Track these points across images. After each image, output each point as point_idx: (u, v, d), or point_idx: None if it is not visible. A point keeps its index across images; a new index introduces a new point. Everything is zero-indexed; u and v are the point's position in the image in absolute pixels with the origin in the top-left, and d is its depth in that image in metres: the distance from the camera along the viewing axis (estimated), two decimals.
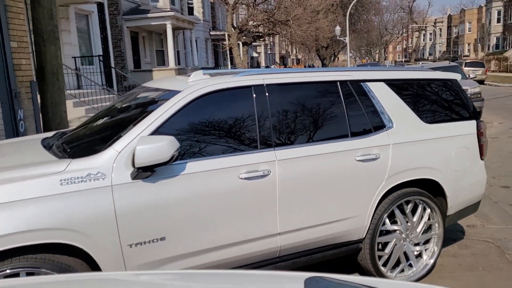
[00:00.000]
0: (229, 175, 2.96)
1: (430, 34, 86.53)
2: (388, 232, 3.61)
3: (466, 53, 67.07)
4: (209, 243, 2.95)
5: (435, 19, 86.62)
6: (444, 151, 3.70)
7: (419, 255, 3.79)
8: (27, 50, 5.26)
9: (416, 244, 3.74)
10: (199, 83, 3.09)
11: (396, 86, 3.69)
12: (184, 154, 2.89)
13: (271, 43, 51.17)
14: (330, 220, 3.31)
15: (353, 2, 28.33)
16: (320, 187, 3.22)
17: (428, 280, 3.72)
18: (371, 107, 3.51)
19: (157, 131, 2.85)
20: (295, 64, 75.11)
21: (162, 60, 23.51)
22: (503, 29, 56.18)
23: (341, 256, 3.55)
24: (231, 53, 29.62)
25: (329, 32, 29.98)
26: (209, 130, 3.03)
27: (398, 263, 3.69)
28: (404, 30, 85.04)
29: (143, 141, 2.63)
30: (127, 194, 2.69)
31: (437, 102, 3.85)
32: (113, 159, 2.71)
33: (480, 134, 3.90)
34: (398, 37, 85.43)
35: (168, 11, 20.24)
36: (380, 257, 3.60)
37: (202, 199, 2.88)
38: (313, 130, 3.30)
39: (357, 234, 3.47)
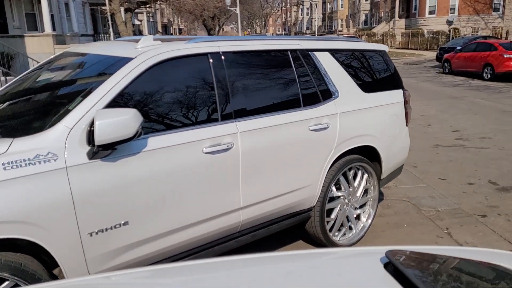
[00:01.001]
0: (193, 150, 2.75)
1: (307, 9, 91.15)
2: (333, 198, 3.77)
3: (340, 28, 72.21)
4: (173, 224, 2.74)
5: None
6: (380, 119, 3.94)
7: (357, 218, 4.04)
8: None
9: (356, 208, 3.98)
10: (152, 50, 2.77)
11: (338, 56, 3.78)
12: (143, 129, 2.60)
13: (155, 10, 48.85)
14: (287, 191, 3.32)
15: None
16: (278, 158, 3.19)
17: (364, 240, 4.00)
18: (319, 77, 3.55)
19: (111, 104, 2.50)
20: (178, 34, 73.02)
21: (33, 25, 20.86)
22: (370, 6, 61.62)
23: (292, 226, 3.61)
24: (112, 19, 27.55)
25: (218, 2, 29.63)
26: (167, 102, 2.76)
27: (340, 227, 3.89)
28: (283, 4, 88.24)
29: (103, 115, 2.28)
30: (84, 176, 2.33)
31: (372, 71, 4.05)
32: (64, 137, 2.32)
33: (406, 102, 4.23)
34: (278, 10, 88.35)
35: None
36: (327, 223, 3.75)
37: (166, 177, 2.64)
38: (269, 101, 3.22)
39: (309, 203, 3.55)
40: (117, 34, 28.58)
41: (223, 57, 3.01)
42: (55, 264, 2.42)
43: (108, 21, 32.04)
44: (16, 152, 2.19)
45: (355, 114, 3.70)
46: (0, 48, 15.41)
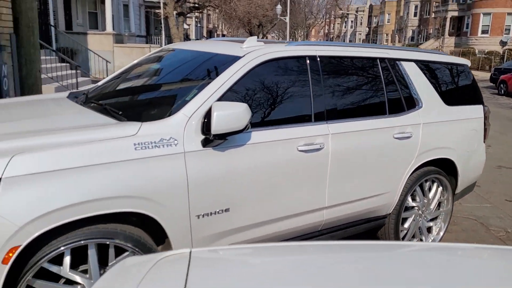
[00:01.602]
0: (289, 147, 2.89)
1: (352, 22, 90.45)
2: (408, 208, 3.80)
3: (385, 42, 71.25)
4: (267, 216, 2.88)
5: (357, 8, 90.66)
6: (459, 133, 3.95)
7: (428, 230, 4.05)
8: None
9: (428, 221, 3.99)
10: (258, 50, 2.94)
11: (423, 67, 3.84)
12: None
13: (207, 15, 49.85)
14: (368, 195, 3.40)
15: None
16: (363, 162, 3.28)
17: None
18: (405, 86, 3.62)
19: (222, 98, 2.68)
20: None
21: (95, 24, 21.86)
22: (419, 22, 60.50)
23: (367, 231, 3.68)
24: (165, 22, 28.39)
25: (268, 10, 29.99)
26: (268, 99, 2.92)
27: (411, 238, 3.91)
28: (328, 16, 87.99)
29: (220, 107, 2.46)
30: (198, 162, 2.52)
31: (454, 85, 4.08)
32: (183, 125, 2.51)
33: (485, 118, 4.22)
34: (321, 22, 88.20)
35: None
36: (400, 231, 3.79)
37: (265, 170, 2.79)
38: (357, 105, 3.33)
39: (386, 209, 3.61)
40: (168, 37, 29.43)
41: (319, 60, 3.15)
42: (159, 242, 2.61)
43: (161, 23, 33.11)
44: (144, 135, 2.39)
45: (437, 126, 3.74)
46: (66, 43, 16.28)
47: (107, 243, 2.29)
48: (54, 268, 2.21)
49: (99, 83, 3.67)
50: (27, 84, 5.12)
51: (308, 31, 79.22)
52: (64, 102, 3.20)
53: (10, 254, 2.00)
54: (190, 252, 1.28)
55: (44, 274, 2.21)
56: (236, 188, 2.68)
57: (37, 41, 5.24)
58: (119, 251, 2.37)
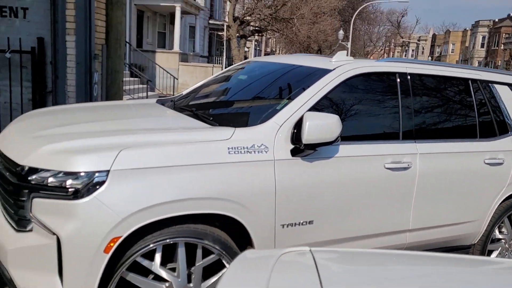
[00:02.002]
0: (376, 163, 2.82)
1: (413, 50, 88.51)
2: (495, 240, 3.57)
3: None
4: (349, 232, 2.80)
5: (419, 37, 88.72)
6: None
7: None
8: (102, 12, 4.93)
9: None
10: (348, 64, 2.93)
11: None
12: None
13: (266, 38, 50.88)
14: (454, 222, 3.22)
15: (362, 6, 28.55)
16: (451, 186, 3.13)
17: None
18: (497, 110, 3.45)
19: (312, 109, 2.68)
20: None
21: (163, 43, 22.97)
22: (486, 54, 58.11)
23: None
24: (227, 44, 29.26)
25: (330, 35, 30.08)
26: (356, 113, 2.89)
27: None
28: (388, 44, 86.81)
29: (312, 117, 2.45)
30: (286, 170, 2.51)
31: None
32: (274, 133, 2.53)
33: None
34: (381, 50, 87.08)
35: None
36: None
37: (350, 185, 2.73)
38: (447, 126, 3.20)
39: (471, 239, 3.40)
40: (229, 58, 30.26)
41: (409, 78, 3.08)
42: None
43: (222, 45, 34.20)
44: (238, 139, 2.43)
45: None
46: (136, 60, 17.20)
47: (196, 243, 2.32)
48: (145, 263, 2.26)
49: (184, 92, 3.80)
50: (111, 93, 5.43)
51: (367, 58, 78.34)
52: (156, 106, 3.34)
53: (112, 244, 2.07)
54: (310, 250, 1.27)
55: (134, 268, 2.26)
56: (321, 201, 2.64)
57: (122, 53, 5.57)
58: (205, 253, 2.39)
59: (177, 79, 16.40)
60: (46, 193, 2.08)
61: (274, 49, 79.14)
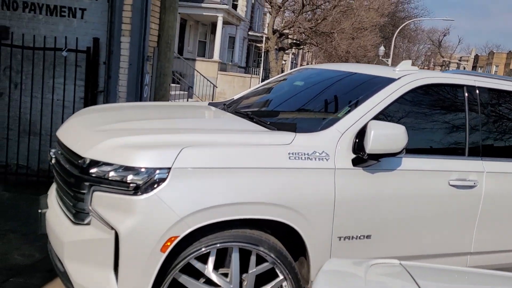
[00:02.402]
0: (440, 179, 2.67)
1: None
2: None
3: None
4: (406, 251, 2.65)
5: (461, 57, 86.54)
6: None
7: None
8: (156, 15, 5.01)
9: None
10: (413, 74, 2.81)
11: None
12: None
13: (303, 52, 50.94)
14: None
15: (404, 24, 28.15)
16: None
17: None
18: None
19: (376, 118, 2.57)
20: None
21: (203, 52, 23.34)
22: None
23: None
24: (265, 56, 29.42)
25: (369, 51, 29.75)
26: (420, 125, 2.76)
27: None
28: (427, 63, 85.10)
29: (377, 126, 2.34)
30: (347, 180, 2.40)
31: None
32: (336, 140, 2.43)
33: None
34: (420, 68, 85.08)
35: (222, 4, 20.08)
36: None
37: (411, 200, 2.59)
38: None
39: None
40: (265, 70, 30.38)
41: (477, 92, 2.92)
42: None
43: (259, 56, 34.42)
44: (298, 145, 2.35)
45: None
46: (176, 67, 17.49)
47: (251, 249, 2.24)
48: (198, 265, 2.20)
49: (235, 97, 3.77)
50: (158, 96, 5.48)
51: None
52: (210, 108, 3.32)
53: (168, 243, 2.02)
54: (400, 263, 1.17)
55: (185, 270, 2.20)
56: (380, 215, 2.51)
57: (172, 57, 5.62)
58: (258, 261, 2.30)
59: (216, 87, 16.55)
60: (107, 187, 2.06)
61: (310, 63, 79.26)
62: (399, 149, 2.38)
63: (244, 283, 2.29)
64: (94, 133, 2.31)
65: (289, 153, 2.30)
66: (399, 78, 2.75)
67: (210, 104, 3.57)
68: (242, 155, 2.21)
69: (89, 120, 2.59)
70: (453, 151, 2.80)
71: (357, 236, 2.48)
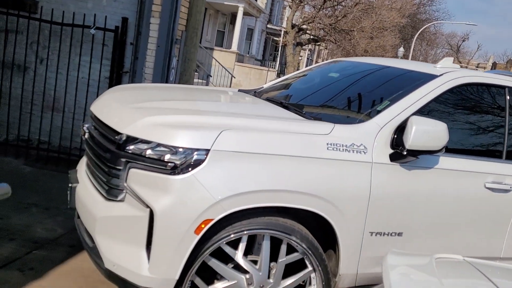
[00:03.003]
0: (476, 181, 2.61)
1: None
2: None
3: None
4: (435, 251, 2.59)
5: (478, 64, 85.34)
6: None
7: None
8: None
9: None
10: (456, 72, 2.73)
11: None
12: None
13: (319, 49, 50.61)
14: None
15: (425, 26, 27.72)
16: None
17: None
18: None
19: (416, 114, 2.50)
20: None
21: (220, 41, 23.26)
22: None
23: None
24: (282, 50, 29.28)
25: (388, 51, 29.44)
26: (458, 124, 2.69)
27: None
28: None
29: (420, 122, 2.28)
30: (383, 175, 2.35)
31: None
32: (374, 134, 2.38)
33: None
34: None
35: None
36: None
37: (446, 200, 2.53)
38: None
39: None
40: (282, 64, 30.23)
41: None
42: None
43: (276, 50, 34.25)
44: (337, 136, 2.30)
45: None
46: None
47: (283, 238, 2.20)
48: (228, 250, 2.17)
49: (265, 86, 3.72)
50: (183, 80, 5.45)
51: None
52: (243, 94, 3.28)
53: (203, 226, 1.99)
54: (464, 259, 1.13)
55: (214, 254, 2.17)
56: (414, 213, 2.46)
57: (198, 42, 5.58)
58: (288, 250, 2.27)
59: (234, 77, 16.48)
60: (144, 165, 2.03)
61: (326, 60, 78.68)
62: (439, 147, 2.32)
63: (272, 272, 2.26)
64: (132, 110, 2.28)
65: (327, 144, 2.25)
66: (441, 75, 2.68)
67: (240, 91, 3.52)
68: (281, 142, 2.16)
69: (126, 97, 2.56)
70: (491, 153, 2.74)
71: (389, 233, 2.43)
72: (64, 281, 2.80)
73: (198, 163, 2.00)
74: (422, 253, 1.25)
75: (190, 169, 1.99)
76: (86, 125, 2.53)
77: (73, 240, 3.33)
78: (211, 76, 13.75)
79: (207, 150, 2.02)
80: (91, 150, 2.42)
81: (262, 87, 3.72)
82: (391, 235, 2.44)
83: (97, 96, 5.05)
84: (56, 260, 3.02)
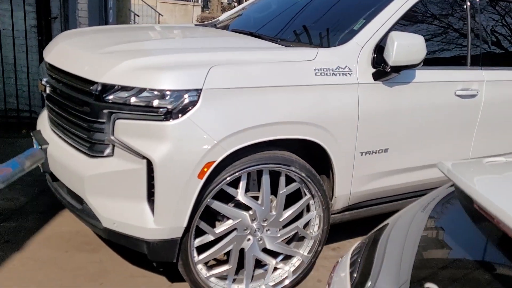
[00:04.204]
0: (447, 90, 2.71)
1: None
2: None
3: None
4: (416, 162, 2.73)
5: None
6: None
7: None
8: None
9: None
10: None
11: None
12: None
13: None
14: None
15: None
16: None
17: None
18: None
19: (391, 30, 2.49)
20: None
21: None
22: None
23: None
24: None
25: None
26: (429, 36, 2.72)
27: None
28: None
29: (400, 37, 2.27)
30: (368, 95, 2.36)
31: None
32: (356, 54, 2.35)
33: None
34: None
35: None
36: None
37: (424, 112, 2.62)
38: None
39: None
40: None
41: (478, 1, 2.91)
42: None
43: None
44: (322, 61, 2.24)
45: None
46: None
47: (282, 170, 2.18)
48: (230, 191, 2.12)
49: (221, 18, 3.51)
50: (119, 21, 5.01)
51: None
52: (208, 28, 3.05)
53: (205, 169, 1.90)
54: (507, 160, 1.18)
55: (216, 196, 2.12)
56: (397, 128, 2.53)
57: None
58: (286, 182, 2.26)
59: (162, 15, 15.51)
60: (132, 114, 1.86)
61: None
62: (419, 60, 2.34)
63: (273, 204, 2.27)
64: (103, 56, 2.04)
65: (315, 69, 2.19)
66: None
67: (197, 25, 3.29)
68: (271, 72, 2.07)
69: (88, 42, 2.28)
70: (457, 61, 2.83)
71: (376, 151, 2.49)
72: (47, 249, 2.64)
73: (191, 105, 1.86)
74: (469, 159, 1.29)
75: (184, 112, 1.85)
76: (44, 79, 2.25)
77: (41, 206, 3.11)
78: (138, 16, 12.83)
79: (199, 90, 1.88)
80: (59, 105, 2.17)
81: (218, 19, 3.50)
82: (378, 152, 2.50)
83: (27, 49, 4.53)
84: (31, 229, 2.82)
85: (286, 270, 2.42)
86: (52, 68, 2.23)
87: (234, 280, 2.31)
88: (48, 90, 2.21)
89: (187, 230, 2.00)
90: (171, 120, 1.84)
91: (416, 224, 1.48)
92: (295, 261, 2.44)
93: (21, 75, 4.60)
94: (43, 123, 2.49)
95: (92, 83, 1.92)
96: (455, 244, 1.32)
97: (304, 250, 2.44)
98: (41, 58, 4.57)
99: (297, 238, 2.47)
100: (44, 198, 3.21)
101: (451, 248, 1.35)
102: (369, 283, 1.28)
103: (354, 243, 3.08)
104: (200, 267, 2.18)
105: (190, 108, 1.86)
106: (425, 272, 1.29)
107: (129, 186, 1.92)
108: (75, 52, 2.16)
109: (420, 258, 1.34)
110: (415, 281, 1.24)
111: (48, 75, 2.27)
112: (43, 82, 2.23)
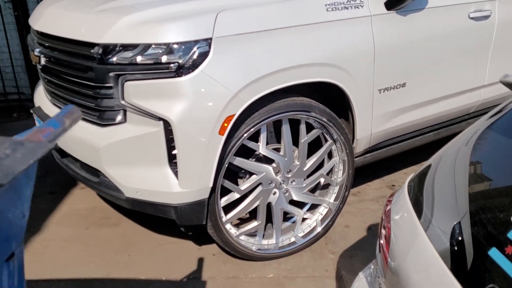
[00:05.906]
0: (461, 13, 2.57)
1: None
2: None
3: None
4: (434, 93, 2.63)
5: None
6: None
7: None
8: None
9: None
10: None
11: None
12: None
13: None
14: None
15: None
16: None
17: None
18: None
19: None
20: None
21: None
22: None
23: None
24: None
25: None
26: None
27: None
28: None
29: None
30: (383, 27, 2.22)
31: None
32: None
33: None
34: None
35: None
36: None
37: (438, 39, 2.49)
38: None
39: None
40: None
41: None
42: None
43: None
44: None
45: None
46: None
47: (302, 117, 2.08)
48: (251, 145, 2.02)
49: None
50: None
51: None
52: None
53: (226, 124, 1.79)
54: None
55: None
56: (413, 59, 2.41)
57: None
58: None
59: None
60: (141, 74, 1.72)
61: None
62: None
63: (295, 154, 2.18)
64: (98, 15, 1.87)
65: (325, 5, 2.03)
66: None
67: None
68: (281, 12, 1.92)
69: (77, 3, 2.09)
70: None
71: (394, 86, 2.38)
72: (66, 228, 2.56)
73: (203, 56, 1.72)
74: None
75: (196, 65, 1.71)
76: (37, 50, 2.08)
77: (50, 187, 3.01)
78: None
79: (209, 39, 1.73)
80: (58, 76, 2.02)
81: None
82: (396, 88, 2.39)
83: (4, 27, 4.26)
84: (44, 210, 2.73)
85: (314, 220, 2.37)
86: (43, 36, 2.06)
87: (263, 235, 2.26)
88: (43, 61, 2.05)
89: (213, 190, 1.91)
90: (183, 75, 1.71)
91: (461, 158, 1.41)
92: (322, 210, 2.39)
93: (2, 56, 4.37)
94: (41, 98, 2.34)
95: (93, 45, 1.76)
96: (506, 172, 1.25)
97: (330, 197, 2.38)
98: (21, 35, 4.33)
99: (320, 186, 2.40)
100: (51, 179, 3.10)
101: (504, 176, 1.28)
102: (421, 220, 1.21)
103: (373, 186, 3.08)
104: (229, 226, 2.12)
105: (202, 60, 1.72)
106: (482, 202, 1.23)
107: (147, 152, 1.81)
108: (67, 15, 1.98)
109: (473, 191, 1.27)
110: (473, 212, 1.18)
111: (40, 45, 2.10)
112: (36, 53, 2.06)
